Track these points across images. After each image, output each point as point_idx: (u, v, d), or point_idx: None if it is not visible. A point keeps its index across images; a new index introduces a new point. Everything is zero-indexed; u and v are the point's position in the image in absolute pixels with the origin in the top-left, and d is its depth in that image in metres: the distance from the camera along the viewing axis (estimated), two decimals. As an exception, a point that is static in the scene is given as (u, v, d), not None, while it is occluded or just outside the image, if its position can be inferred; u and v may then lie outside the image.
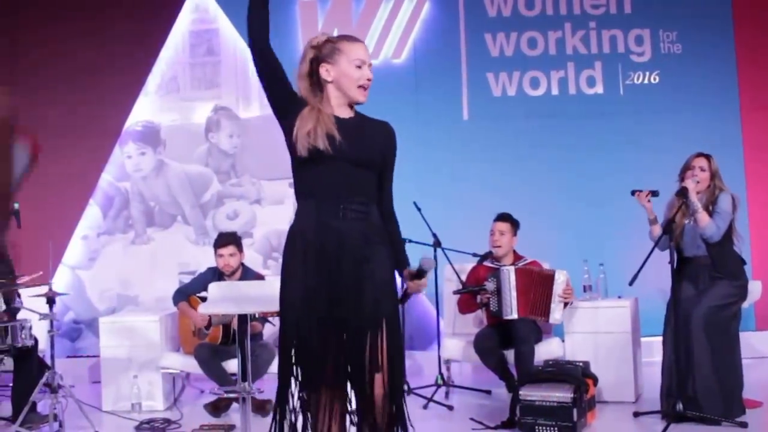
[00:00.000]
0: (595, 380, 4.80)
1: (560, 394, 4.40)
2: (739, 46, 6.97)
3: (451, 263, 5.58)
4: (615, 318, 5.25)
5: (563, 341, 5.39)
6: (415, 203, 5.47)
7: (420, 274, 2.79)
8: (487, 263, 5.47)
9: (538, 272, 5.24)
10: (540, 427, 4.41)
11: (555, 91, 6.93)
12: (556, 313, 5.14)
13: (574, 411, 4.36)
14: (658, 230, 4.79)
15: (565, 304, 5.18)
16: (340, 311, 2.70)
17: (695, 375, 4.53)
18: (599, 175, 6.74)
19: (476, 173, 6.81)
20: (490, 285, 5.20)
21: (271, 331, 5.69)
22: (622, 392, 5.16)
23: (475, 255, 5.55)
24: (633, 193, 4.90)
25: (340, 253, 2.72)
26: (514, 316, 5.13)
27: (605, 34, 6.99)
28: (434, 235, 5.51)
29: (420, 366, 6.50)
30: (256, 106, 7.08)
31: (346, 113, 2.83)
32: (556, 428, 4.38)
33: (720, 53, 6.92)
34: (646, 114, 6.85)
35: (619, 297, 5.37)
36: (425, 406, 5.18)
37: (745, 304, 4.90)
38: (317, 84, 2.82)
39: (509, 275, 5.15)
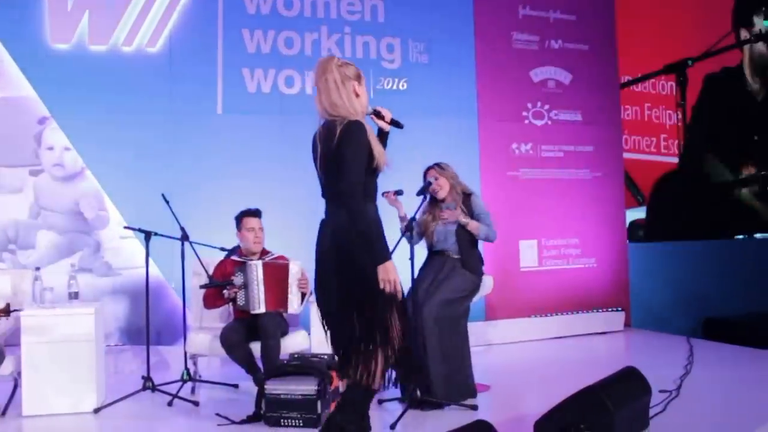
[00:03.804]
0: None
1: (305, 387, 4.49)
2: (479, 62, 7.55)
3: (198, 257, 5.46)
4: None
5: (309, 334, 5.52)
6: (163, 195, 5.31)
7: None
8: (234, 257, 5.48)
9: (280, 265, 5.36)
10: (285, 420, 4.48)
11: (309, 91, 7.09)
12: (294, 303, 5.29)
13: (318, 403, 4.47)
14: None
15: (303, 294, 5.34)
16: None
17: (428, 363, 4.83)
18: (349, 174, 6.97)
19: (228, 167, 6.79)
20: (237, 279, 5.23)
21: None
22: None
23: (222, 249, 5.51)
24: (383, 194, 5.15)
25: None
26: (262, 310, 5.20)
27: (359, 39, 7.27)
28: (182, 229, 5.37)
29: (167, 361, 6.37)
30: (-5, 87, 6.59)
31: None
32: (300, 421, 4.46)
33: (462, 66, 7.48)
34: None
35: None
36: (170, 403, 5.05)
37: (476, 298, 5.31)
38: None
39: (257, 269, 5.21)
